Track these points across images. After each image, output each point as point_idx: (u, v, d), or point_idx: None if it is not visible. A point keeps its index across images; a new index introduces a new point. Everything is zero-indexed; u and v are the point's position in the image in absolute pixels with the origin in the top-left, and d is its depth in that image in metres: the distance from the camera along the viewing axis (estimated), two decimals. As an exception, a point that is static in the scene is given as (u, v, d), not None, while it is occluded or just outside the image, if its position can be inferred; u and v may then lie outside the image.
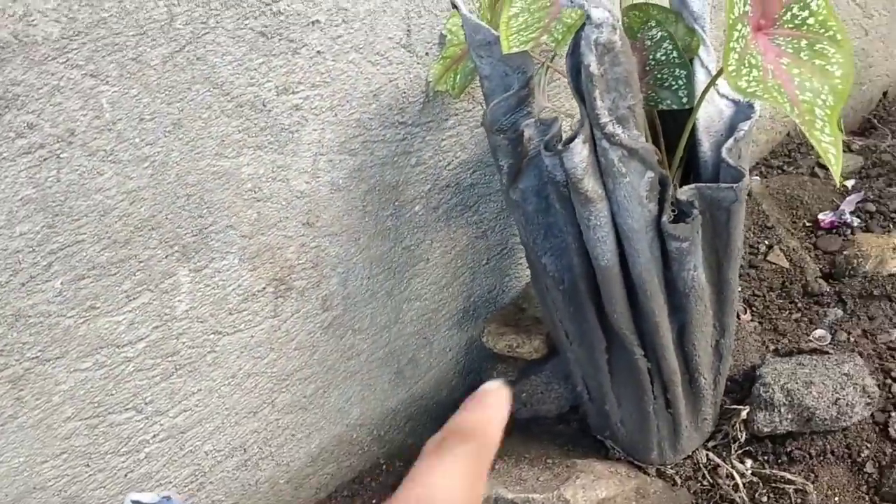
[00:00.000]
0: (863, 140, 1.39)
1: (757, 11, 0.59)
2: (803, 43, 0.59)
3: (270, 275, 0.75)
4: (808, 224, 1.19)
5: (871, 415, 0.85)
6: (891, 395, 0.88)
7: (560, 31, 0.62)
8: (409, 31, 0.75)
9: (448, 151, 0.85)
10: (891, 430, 0.84)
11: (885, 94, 1.63)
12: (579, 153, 0.60)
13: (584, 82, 0.58)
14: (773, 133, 1.41)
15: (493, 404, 0.41)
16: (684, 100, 0.65)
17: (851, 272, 1.06)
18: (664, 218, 0.65)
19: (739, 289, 1.08)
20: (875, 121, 1.53)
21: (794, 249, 1.12)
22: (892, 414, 0.85)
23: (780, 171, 1.35)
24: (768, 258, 1.11)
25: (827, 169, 1.27)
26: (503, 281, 1.01)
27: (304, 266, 0.77)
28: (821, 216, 1.17)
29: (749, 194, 1.22)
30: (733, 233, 0.71)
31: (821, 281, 1.06)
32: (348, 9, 0.70)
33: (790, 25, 0.60)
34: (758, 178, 1.27)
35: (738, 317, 1.03)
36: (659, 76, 0.66)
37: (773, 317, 1.03)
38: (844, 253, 1.08)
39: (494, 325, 0.92)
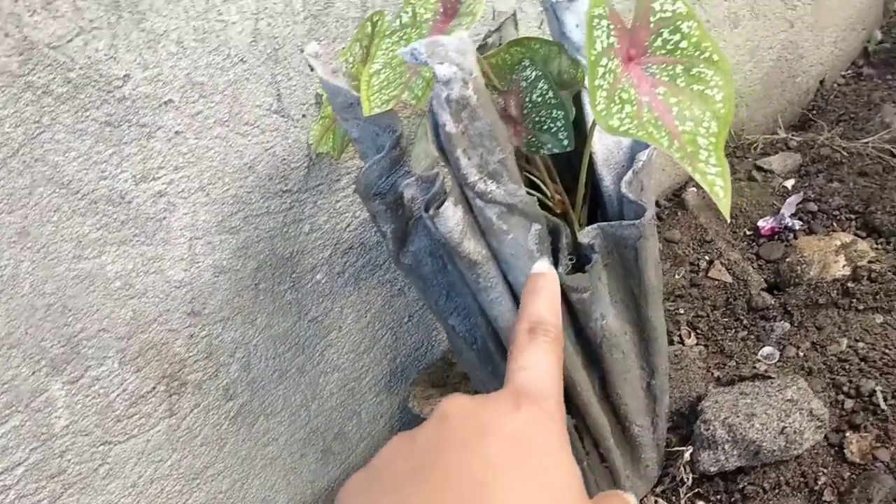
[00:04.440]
0: (800, 135, 1.35)
1: (624, 42, 0.54)
2: (678, 69, 0.55)
3: (159, 373, 0.70)
4: (748, 233, 1.14)
5: (825, 437, 0.80)
6: (844, 412, 0.83)
7: (420, 87, 0.58)
8: (279, 95, 0.71)
9: (345, 212, 0.80)
10: (846, 451, 0.79)
11: (821, 82, 1.60)
12: (452, 216, 0.56)
13: (443, 142, 0.54)
14: (709, 139, 1.37)
15: (545, 287, 0.53)
16: (565, 142, 0.60)
17: (796, 280, 1.01)
18: (560, 269, 0.61)
19: (682, 311, 1.03)
20: (812, 114, 1.50)
21: (735, 262, 1.07)
22: (847, 434, 0.80)
23: (718, 178, 1.30)
24: (710, 274, 1.07)
25: (765, 171, 1.23)
26: (430, 335, 0.95)
27: (196, 358, 0.72)
28: (760, 223, 1.13)
29: (685, 208, 1.18)
30: (645, 271, 0.66)
31: (765, 294, 1.01)
32: (204, 83, 0.65)
33: (663, 52, 0.55)
34: (694, 189, 1.22)
35: (683, 341, 0.99)
36: (537, 119, 0.62)
37: (719, 338, 0.98)
38: (787, 260, 1.04)
39: (420, 388, 0.86)
